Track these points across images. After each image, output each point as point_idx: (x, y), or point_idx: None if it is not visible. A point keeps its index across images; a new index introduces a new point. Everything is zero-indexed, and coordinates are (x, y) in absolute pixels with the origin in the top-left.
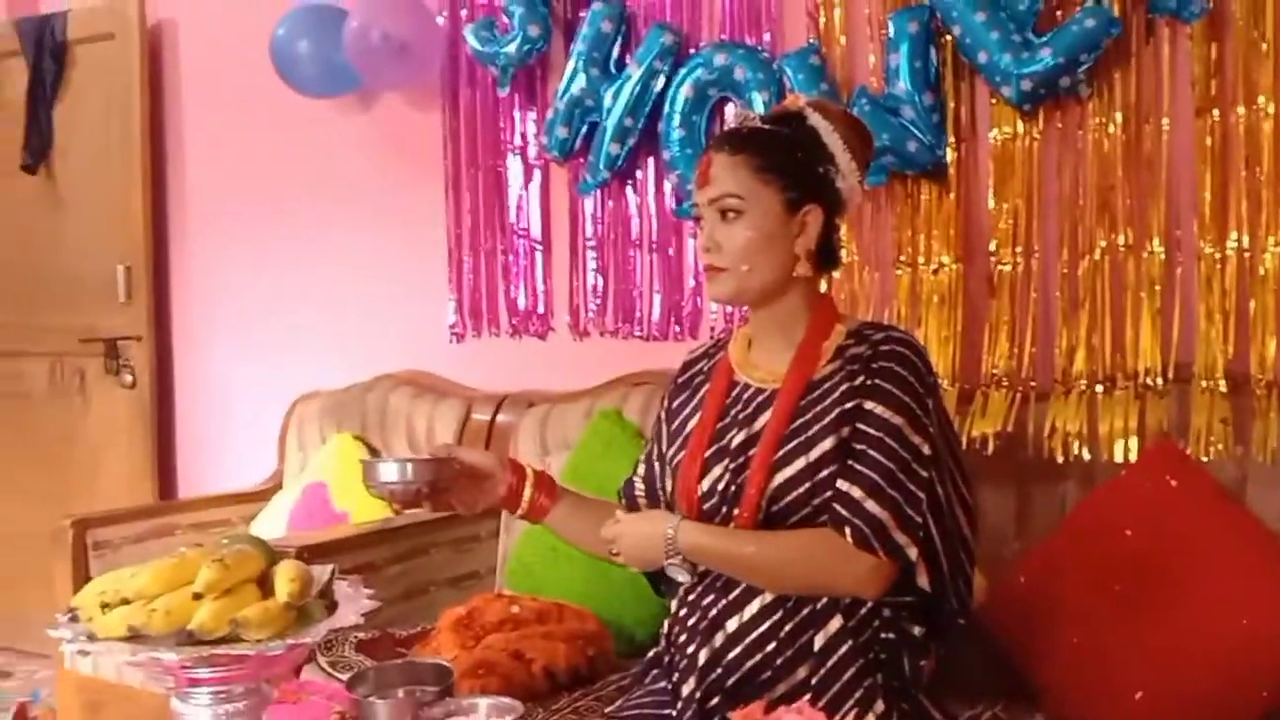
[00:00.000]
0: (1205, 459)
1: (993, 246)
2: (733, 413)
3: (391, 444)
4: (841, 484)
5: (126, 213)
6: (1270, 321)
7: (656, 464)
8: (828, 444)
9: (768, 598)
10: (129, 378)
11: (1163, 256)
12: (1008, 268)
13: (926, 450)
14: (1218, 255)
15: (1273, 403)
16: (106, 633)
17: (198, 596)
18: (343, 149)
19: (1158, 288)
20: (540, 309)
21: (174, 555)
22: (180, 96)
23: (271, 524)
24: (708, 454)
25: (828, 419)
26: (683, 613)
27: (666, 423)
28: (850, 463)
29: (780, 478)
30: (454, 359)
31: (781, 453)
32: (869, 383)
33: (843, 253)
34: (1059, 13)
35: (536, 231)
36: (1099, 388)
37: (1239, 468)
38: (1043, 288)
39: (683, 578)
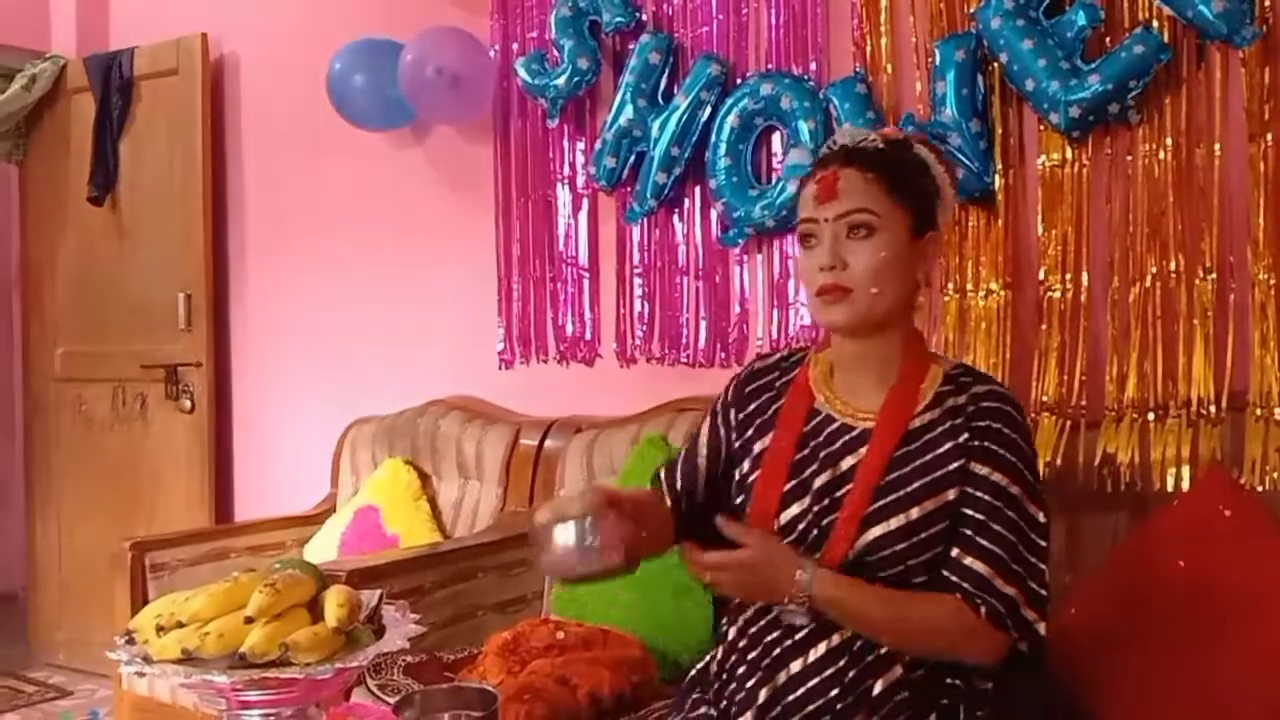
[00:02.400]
0: (1260, 488)
1: (1042, 273)
2: (814, 446)
3: (442, 469)
4: (965, 558)
5: (188, 243)
6: None
7: (702, 463)
8: (930, 505)
9: (835, 640)
10: (188, 403)
11: (1215, 283)
12: (1057, 294)
13: (1043, 519)
14: (1272, 281)
15: None
16: (162, 655)
17: (249, 620)
18: (397, 180)
19: (1210, 314)
20: (588, 336)
21: (227, 579)
22: (240, 130)
23: (324, 547)
24: (786, 487)
25: (930, 477)
26: (742, 644)
27: (734, 430)
28: (967, 532)
29: (874, 533)
30: (503, 385)
31: (875, 506)
32: (976, 443)
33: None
34: (1108, 39)
35: (584, 259)
36: (1151, 415)
37: None
38: (1092, 314)
39: (801, 620)
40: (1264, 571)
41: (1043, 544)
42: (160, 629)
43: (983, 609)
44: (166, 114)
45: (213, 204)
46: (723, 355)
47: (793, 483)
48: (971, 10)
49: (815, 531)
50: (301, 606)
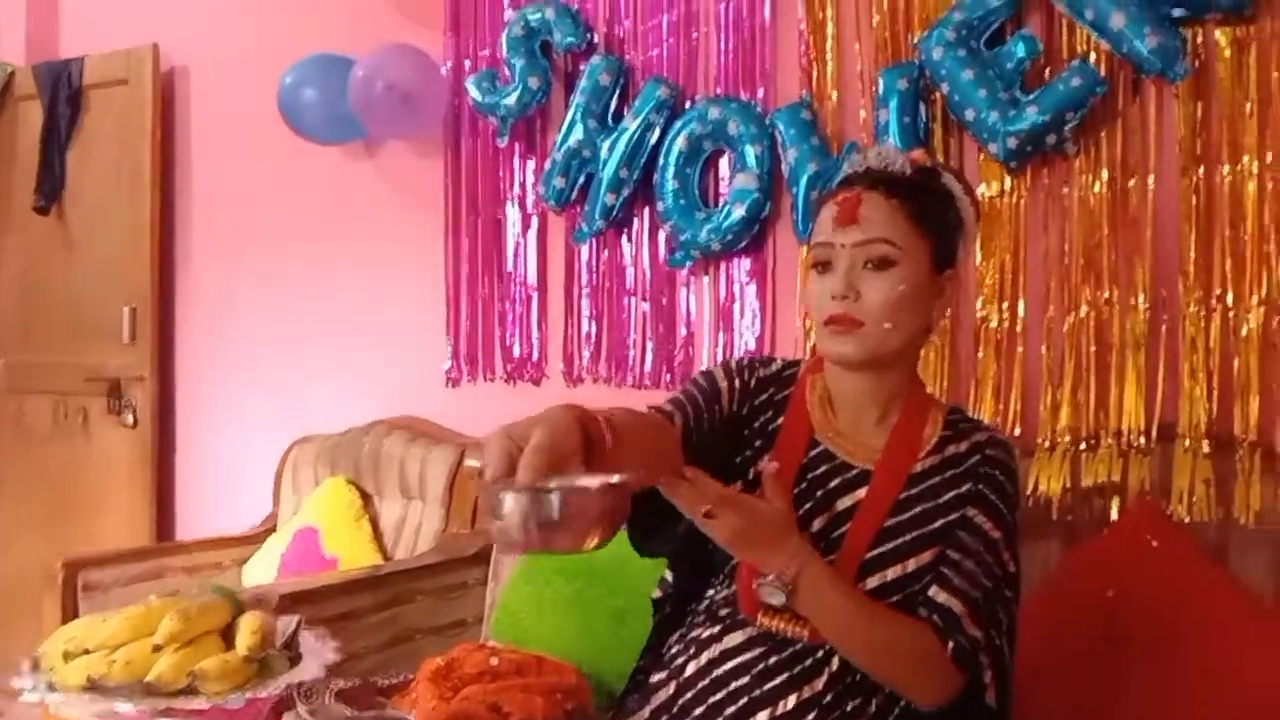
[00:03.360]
0: (1187, 520)
1: (979, 302)
2: (812, 481)
3: (384, 489)
4: (940, 595)
5: (134, 255)
6: (1254, 381)
7: (705, 408)
8: (927, 557)
9: (805, 693)
10: (131, 418)
11: (1147, 314)
12: (994, 323)
13: (1013, 569)
14: (1202, 314)
15: (1255, 464)
16: (66, 683)
17: (157, 648)
18: (347, 195)
19: (1142, 346)
20: (535, 356)
21: (141, 604)
22: (190, 142)
23: (263, 568)
24: None
25: (929, 527)
26: (702, 683)
27: (744, 420)
28: (948, 572)
29: (870, 583)
30: (449, 404)
31: (874, 553)
32: (974, 488)
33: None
34: (1047, 71)
35: (533, 279)
36: (1082, 445)
37: (1221, 530)
38: (1028, 344)
39: (776, 600)
40: (1190, 602)
41: (1009, 595)
42: (67, 655)
43: (950, 645)
44: (115, 124)
45: (160, 216)
46: (668, 377)
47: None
48: (915, 40)
49: None
50: (214, 634)
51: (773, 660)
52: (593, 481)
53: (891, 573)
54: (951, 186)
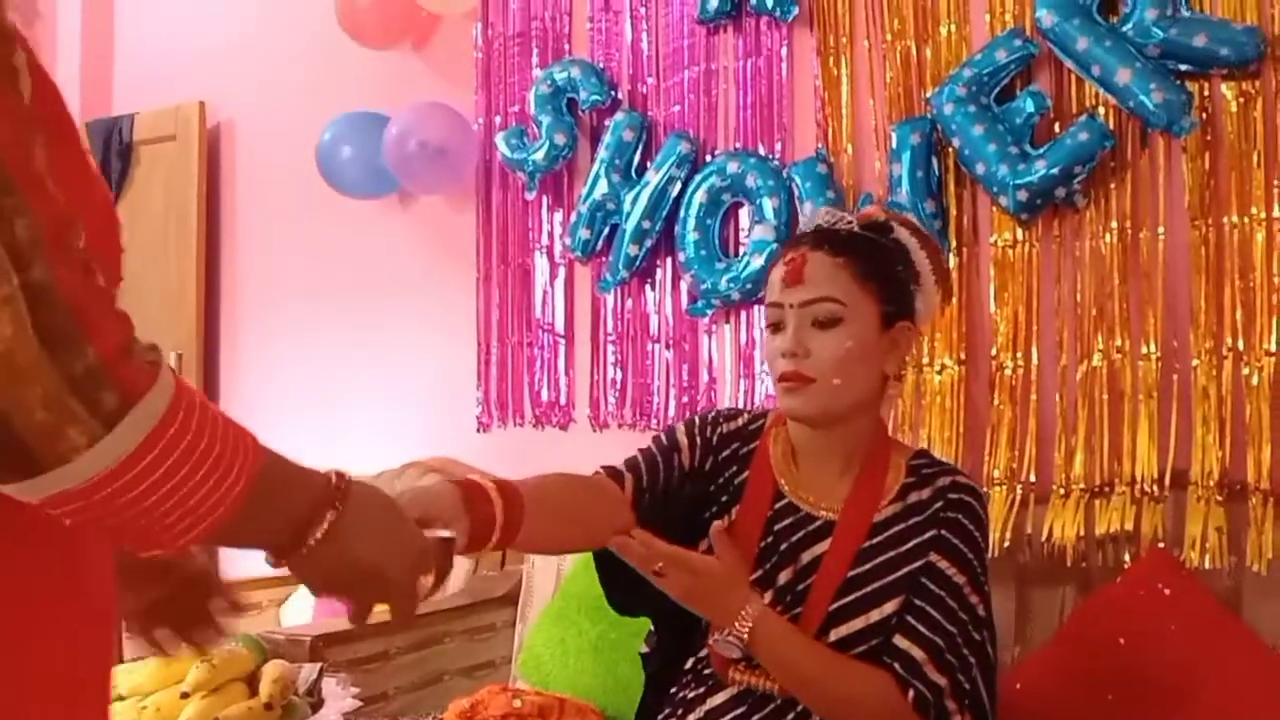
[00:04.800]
0: (1201, 567)
1: (994, 350)
2: (777, 534)
3: None
4: (902, 641)
5: (181, 303)
6: (1265, 429)
7: (662, 469)
8: (890, 607)
9: None
10: None
11: (1159, 363)
12: (1009, 370)
13: (982, 612)
14: (1213, 363)
15: (1268, 512)
16: None
17: (185, 695)
18: (382, 247)
19: (1154, 394)
20: (562, 401)
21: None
22: (235, 195)
23: (299, 608)
24: (753, 578)
25: (893, 576)
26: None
27: (705, 477)
28: (909, 618)
29: (836, 634)
30: (480, 448)
31: (838, 605)
32: (937, 533)
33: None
34: (1056, 125)
35: (560, 326)
36: (1096, 492)
37: (1234, 577)
38: (1042, 391)
39: (733, 654)
40: (1201, 650)
41: (978, 638)
42: None
43: (910, 692)
44: (163, 178)
45: (206, 266)
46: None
47: (759, 572)
48: (927, 95)
49: None
50: (240, 681)
51: (755, 718)
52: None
53: (857, 623)
54: (906, 240)
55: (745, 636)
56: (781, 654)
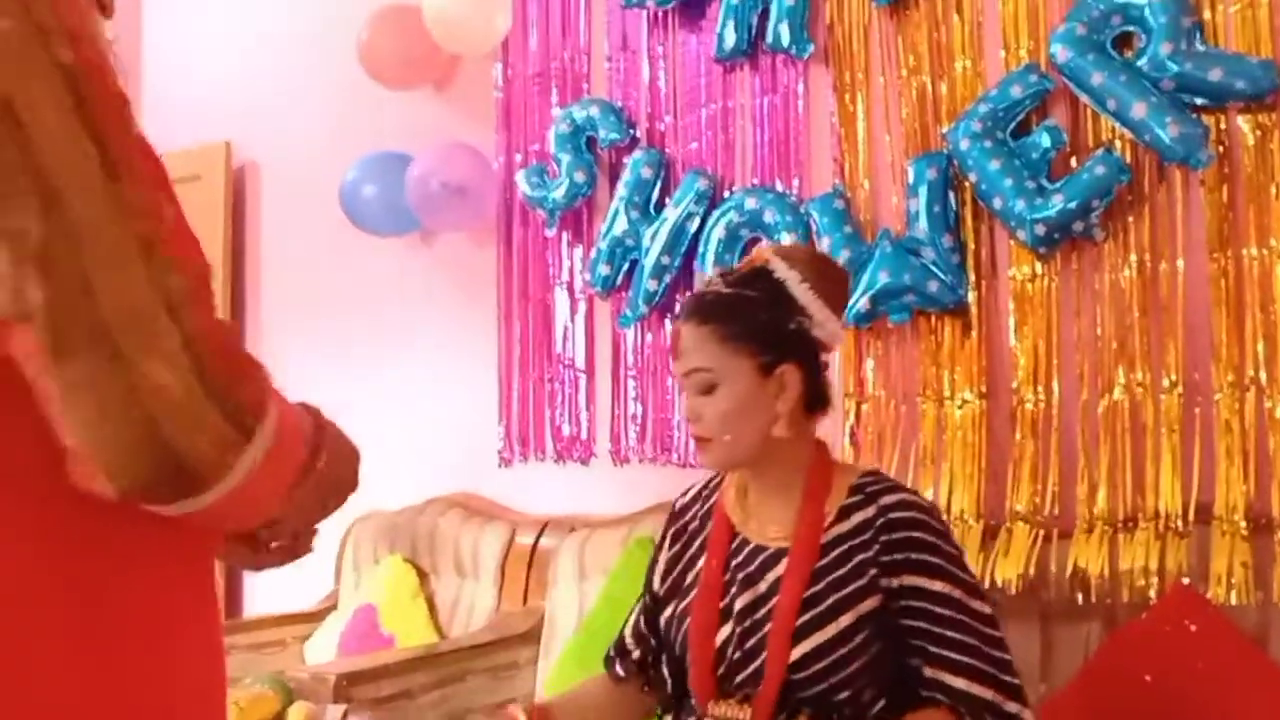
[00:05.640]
0: (1227, 603)
1: (1015, 384)
2: (734, 568)
3: (440, 567)
4: (938, 674)
5: None
6: None
7: (646, 615)
8: (845, 620)
9: None
10: None
11: (1181, 397)
12: (1030, 404)
13: (989, 611)
14: (1235, 395)
15: None
16: None
17: None
18: (405, 284)
19: (1177, 428)
20: (584, 436)
21: None
22: (259, 234)
23: (323, 645)
24: (715, 613)
25: (844, 591)
26: None
27: (664, 573)
28: (929, 647)
29: (800, 651)
30: (502, 483)
31: (802, 621)
32: (899, 557)
33: (834, 392)
34: (1073, 159)
35: (581, 362)
36: (1120, 527)
37: (1260, 613)
38: (1064, 425)
39: None
40: (1227, 685)
41: (997, 635)
42: None
43: (967, 718)
44: (191, 218)
45: (232, 304)
46: None
47: (723, 603)
48: (943, 131)
49: (739, 654)
50: None
51: None
52: None
53: (819, 637)
54: (785, 276)
55: None
56: None
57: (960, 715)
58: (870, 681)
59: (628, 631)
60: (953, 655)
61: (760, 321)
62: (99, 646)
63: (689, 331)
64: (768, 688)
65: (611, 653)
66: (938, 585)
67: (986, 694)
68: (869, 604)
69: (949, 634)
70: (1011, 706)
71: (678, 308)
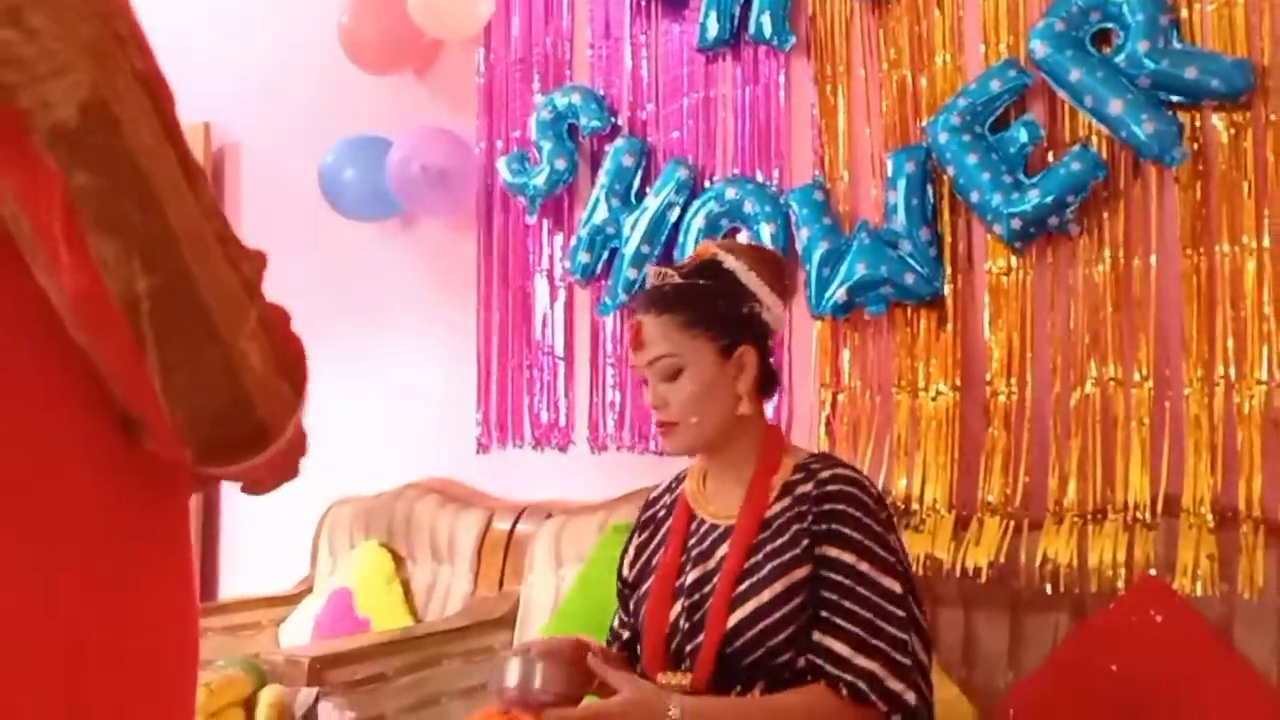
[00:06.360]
0: (1193, 594)
1: (989, 376)
2: (690, 549)
3: (416, 552)
4: (825, 640)
5: None
6: (1257, 457)
7: (628, 598)
8: (778, 587)
9: None
10: None
11: (1151, 391)
12: (1003, 397)
13: (899, 590)
14: (1205, 390)
15: (1259, 539)
16: None
17: None
18: (384, 269)
19: (1146, 421)
20: (562, 423)
21: None
22: (239, 216)
23: (298, 629)
24: (670, 591)
25: (779, 560)
26: None
27: (633, 560)
28: (824, 614)
29: (734, 619)
30: (480, 469)
31: (738, 591)
32: (824, 527)
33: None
34: (1050, 154)
35: (560, 349)
36: (1089, 519)
37: (1225, 604)
38: (1036, 418)
39: None
40: (1193, 678)
41: (901, 614)
42: None
43: (844, 688)
44: None
45: None
46: None
47: (679, 581)
48: (922, 124)
49: (688, 626)
50: (237, 706)
51: None
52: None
53: (753, 604)
54: (734, 266)
55: None
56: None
57: (835, 685)
58: (804, 648)
59: (617, 616)
60: (842, 623)
61: (717, 307)
62: (98, 591)
63: (650, 322)
64: (705, 654)
65: (609, 636)
66: (847, 556)
67: (870, 665)
68: (801, 572)
69: (844, 603)
70: (895, 684)
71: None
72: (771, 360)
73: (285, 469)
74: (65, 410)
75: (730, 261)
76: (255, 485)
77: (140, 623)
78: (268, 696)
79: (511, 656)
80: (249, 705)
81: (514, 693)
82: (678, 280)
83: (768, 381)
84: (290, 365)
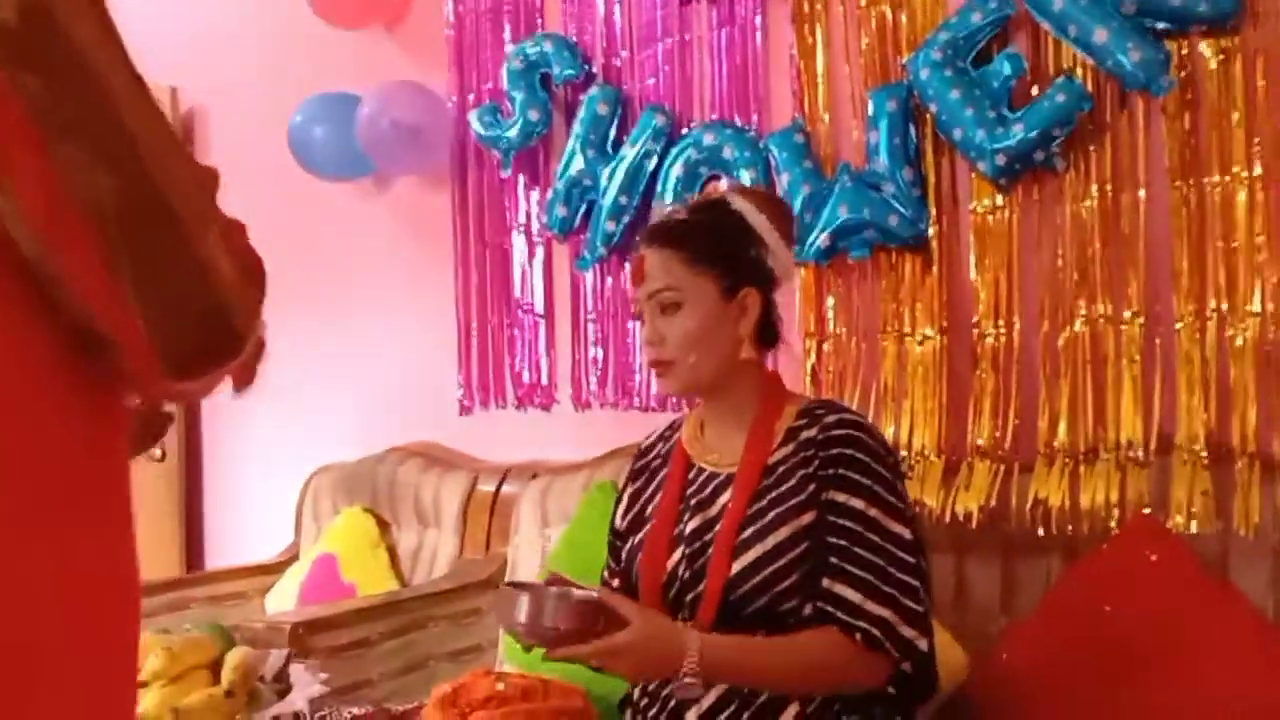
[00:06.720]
0: (1187, 531)
1: (975, 318)
2: (688, 498)
3: (401, 517)
4: (836, 586)
5: None
6: (1250, 391)
7: (619, 549)
8: (783, 533)
9: (723, 687)
10: (158, 451)
11: (1142, 327)
12: (990, 339)
13: (909, 536)
14: (1196, 326)
15: (1254, 475)
16: None
17: (143, 684)
18: (359, 230)
19: (1138, 358)
20: (544, 382)
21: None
22: None
23: (284, 596)
24: (669, 538)
25: (784, 506)
26: (644, 703)
27: (626, 509)
28: (834, 559)
29: (737, 565)
30: (462, 431)
31: (741, 538)
32: (831, 472)
33: (785, 328)
34: (1034, 88)
35: (540, 307)
36: (1081, 459)
37: (1220, 541)
38: (1025, 359)
39: (697, 693)
40: (1187, 615)
41: (912, 560)
42: None
43: (858, 635)
44: None
45: None
46: (674, 400)
47: (676, 530)
48: (903, 61)
49: (689, 574)
50: (202, 669)
51: (745, 715)
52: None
53: (757, 550)
54: (742, 208)
55: (698, 674)
56: (738, 668)
57: (849, 631)
58: (810, 595)
59: (607, 567)
60: (853, 570)
61: (723, 245)
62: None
63: (653, 255)
64: (708, 603)
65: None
66: (856, 502)
67: (883, 612)
68: (806, 518)
69: (855, 549)
70: (907, 631)
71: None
72: (775, 310)
73: (247, 376)
74: None
75: (739, 203)
76: (203, 392)
77: (79, 572)
78: (233, 658)
79: (520, 591)
80: (215, 668)
81: (523, 627)
82: (684, 216)
83: (769, 331)
84: (254, 272)
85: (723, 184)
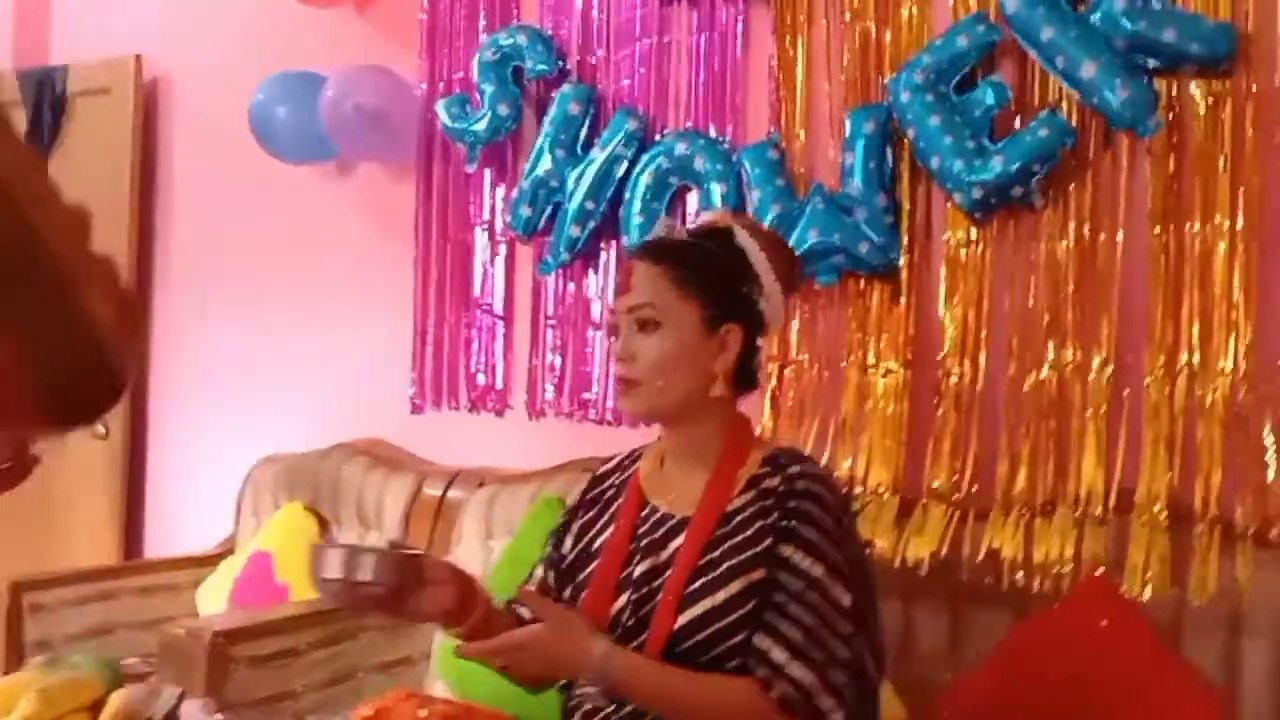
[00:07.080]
0: (1141, 597)
1: (941, 355)
2: (639, 537)
3: (342, 516)
4: (763, 641)
5: None
6: (1217, 453)
7: (553, 574)
8: (735, 587)
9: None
10: (102, 429)
11: (1110, 379)
12: (955, 378)
13: (847, 602)
14: (1166, 380)
15: (1213, 541)
16: None
17: None
18: (319, 215)
19: (1103, 410)
20: (499, 386)
21: (10, 676)
22: (171, 154)
23: (215, 593)
24: (617, 579)
25: (739, 558)
26: None
27: (575, 540)
28: (767, 616)
29: (684, 618)
30: (413, 430)
31: (690, 590)
32: (786, 524)
33: (762, 374)
34: (1017, 119)
35: (499, 308)
36: (1038, 511)
37: (1174, 610)
38: (989, 401)
39: (601, 702)
40: (1136, 685)
41: (847, 630)
42: None
43: (774, 694)
44: (97, 134)
45: (139, 228)
46: (629, 418)
47: (625, 573)
48: (885, 81)
49: (633, 621)
50: (82, 711)
51: None
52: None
53: (703, 605)
54: (745, 243)
55: (601, 679)
56: (640, 686)
57: (768, 689)
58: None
59: (537, 583)
60: (785, 630)
61: (716, 274)
62: None
63: (642, 268)
64: (649, 654)
65: (518, 596)
66: (802, 559)
67: (806, 677)
68: (759, 573)
69: (791, 607)
70: (824, 701)
71: (614, 252)
72: (757, 354)
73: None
74: None
75: (743, 238)
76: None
77: None
78: (114, 702)
79: (330, 546)
80: (97, 709)
81: (336, 585)
82: (683, 236)
83: (747, 376)
84: (131, 314)
85: (728, 214)
